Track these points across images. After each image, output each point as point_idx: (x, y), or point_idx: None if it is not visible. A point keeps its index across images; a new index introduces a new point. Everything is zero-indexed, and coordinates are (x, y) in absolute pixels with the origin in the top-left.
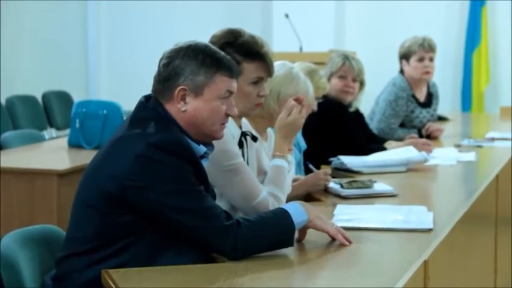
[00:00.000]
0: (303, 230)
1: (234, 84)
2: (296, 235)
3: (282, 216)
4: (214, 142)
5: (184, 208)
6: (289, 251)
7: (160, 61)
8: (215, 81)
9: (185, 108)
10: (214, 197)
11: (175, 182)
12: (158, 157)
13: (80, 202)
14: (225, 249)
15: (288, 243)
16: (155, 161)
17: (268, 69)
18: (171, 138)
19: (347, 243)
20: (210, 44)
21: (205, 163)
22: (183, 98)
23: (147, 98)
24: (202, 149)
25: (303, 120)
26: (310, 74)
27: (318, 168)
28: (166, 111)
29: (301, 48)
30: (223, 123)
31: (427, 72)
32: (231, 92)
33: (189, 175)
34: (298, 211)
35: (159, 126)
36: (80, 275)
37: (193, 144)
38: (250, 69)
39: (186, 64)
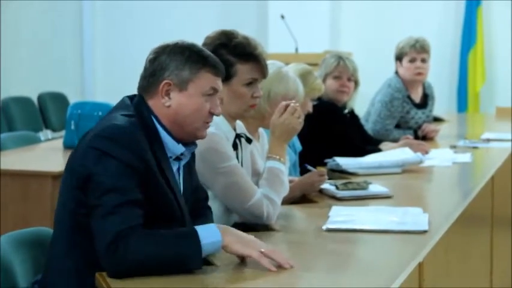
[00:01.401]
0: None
1: (218, 83)
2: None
3: (188, 235)
4: (209, 144)
5: (98, 198)
6: (282, 252)
7: (146, 58)
8: (200, 77)
9: (169, 103)
10: (193, 198)
11: (106, 172)
12: (102, 146)
13: (61, 205)
14: (102, 252)
15: (192, 264)
16: (99, 151)
17: (262, 71)
18: (119, 126)
19: (273, 268)
20: (197, 43)
21: (182, 163)
22: (168, 93)
23: (131, 97)
24: (179, 148)
25: (299, 122)
26: (305, 75)
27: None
28: (148, 108)
29: (296, 49)
30: (207, 122)
31: (419, 74)
32: (215, 90)
33: (123, 166)
34: (210, 231)
35: (130, 121)
36: (60, 279)
37: (171, 143)
38: (244, 70)
39: (172, 59)
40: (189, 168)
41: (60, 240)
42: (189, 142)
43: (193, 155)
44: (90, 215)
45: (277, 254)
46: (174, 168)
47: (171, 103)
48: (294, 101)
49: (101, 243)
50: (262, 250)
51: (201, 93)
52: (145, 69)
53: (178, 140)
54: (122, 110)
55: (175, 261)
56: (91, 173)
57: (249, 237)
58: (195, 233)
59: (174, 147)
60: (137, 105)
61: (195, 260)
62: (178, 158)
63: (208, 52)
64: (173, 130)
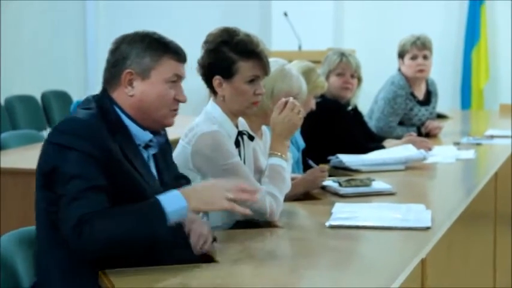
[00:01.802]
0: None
1: (181, 69)
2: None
3: (151, 205)
4: (211, 142)
5: (62, 187)
6: (285, 249)
7: (108, 50)
8: (162, 64)
9: (132, 92)
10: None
11: (67, 163)
12: (61, 141)
13: (36, 205)
14: (69, 236)
15: (159, 234)
16: (59, 145)
17: (264, 68)
18: (77, 119)
19: (248, 212)
20: (157, 31)
21: (153, 152)
22: (130, 83)
23: (95, 95)
24: (146, 135)
25: (299, 118)
26: (308, 72)
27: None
28: (111, 99)
29: (300, 47)
30: (174, 110)
31: (421, 71)
32: (178, 77)
33: (83, 156)
34: (174, 199)
35: (89, 113)
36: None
37: (137, 131)
38: (246, 67)
39: (133, 48)
40: (165, 157)
41: (41, 241)
42: (157, 131)
43: (169, 145)
44: (58, 206)
45: (243, 193)
46: (144, 157)
47: (134, 92)
48: (292, 98)
49: (66, 227)
50: (230, 196)
51: (164, 80)
52: (107, 61)
53: (145, 128)
54: (84, 106)
55: (141, 233)
56: (53, 167)
57: (212, 188)
58: (158, 202)
59: (141, 135)
60: (99, 98)
61: (161, 229)
62: (148, 146)
63: (169, 39)
64: (139, 118)
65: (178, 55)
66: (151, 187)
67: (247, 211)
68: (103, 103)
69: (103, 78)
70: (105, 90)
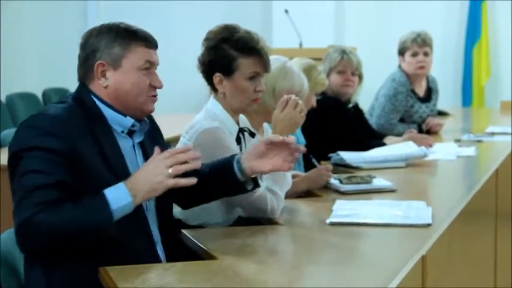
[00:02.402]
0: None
1: (153, 55)
2: None
3: (96, 204)
4: (212, 139)
5: (18, 182)
6: (286, 246)
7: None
8: (132, 52)
9: (107, 83)
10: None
11: (28, 159)
12: (22, 135)
13: None
14: (16, 231)
15: (101, 231)
16: (19, 141)
17: (265, 65)
18: (44, 114)
19: (193, 181)
20: (124, 22)
21: (138, 139)
22: (103, 74)
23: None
24: (128, 121)
25: (301, 116)
26: (309, 70)
27: (318, 163)
28: (86, 90)
29: (300, 44)
30: (152, 96)
31: (422, 67)
32: (151, 63)
33: (45, 153)
34: (119, 195)
35: (59, 107)
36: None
37: (118, 117)
38: (246, 64)
39: (101, 39)
40: (156, 144)
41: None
42: (140, 119)
43: (159, 131)
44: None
45: (179, 158)
46: (128, 145)
47: (109, 83)
48: (294, 95)
49: (15, 222)
50: (170, 171)
51: (136, 67)
52: (79, 56)
53: (125, 115)
54: (59, 100)
55: (85, 232)
56: (15, 163)
57: (152, 171)
58: (105, 201)
59: (122, 121)
60: (76, 92)
61: (105, 227)
62: (131, 132)
63: (136, 26)
64: (119, 107)
65: (148, 41)
66: (122, 178)
67: (193, 180)
68: (80, 94)
69: (78, 75)
70: (81, 84)
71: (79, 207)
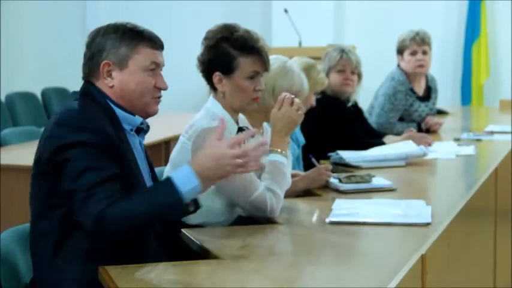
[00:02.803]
0: None
1: (159, 57)
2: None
3: (165, 191)
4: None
5: (74, 182)
6: (285, 246)
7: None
8: (138, 52)
9: (112, 83)
10: (155, 177)
11: (75, 157)
12: (59, 134)
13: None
14: (85, 223)
15: (175, 215)
16: (57, 138)
17: (264, 64)
18: (74, 111)
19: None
20: (130, 22)
21: (143, 137)
22: (109, 74)
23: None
24: (137, 119)
25: (298, 114)
26: (308, 69)
27: (317, 163)
28: (94, 87)
29: (300, 43)
30: (156, 97)
31: (421, 66)
32: (157, 64)
33: (90, 148)
34: (187, 178)
35: (82, 103)
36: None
37: (127, 115)
38: (246, 63)
39: (107, 39)
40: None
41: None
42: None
43: None
44: (70, 201)
45: (252, 151)
46: (136, 142)
47: (114, 82)
48: (289, 93)
49: (88, 224)
50: (238, 161)
51: (141, 68)
52: (84, 55)
53: (133, 114)
54: (74, 98)
55: (159, 218)
56: (59, 162)
57: (221, 160)
58: (173, 184)
59: (131, 119)
60: (85, 89)
61: (177, 212)
62: (139, 130)
63: (143, 27)
64: (124, 105)
65: (154, 42)
66: (140, 173)
67: (259, 165)
68: (88, 91)
69: (82, 73)
70: (87, 81)
71: (148, 196)
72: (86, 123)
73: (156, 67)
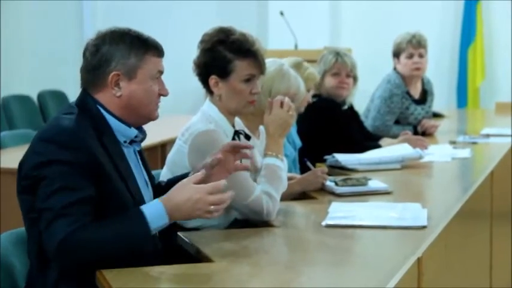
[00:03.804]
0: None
1: (162, 64)
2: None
3: (134, 223)
4: (208, 141)
5: (45, 200)
6: (282, 249)
7: (85, 51)
8: (146, 62)
9: (120, 93)
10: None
11: (51, 176)
12: (41, 150)
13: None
14: (49, 250)
15: (140, 248)
16: (39, 154)
17: (260, 67)
18: (60, 127)
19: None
20: (131, 28)
21: (138, 148)
22: (117, 84)
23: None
24: (132, 131)
25: (290, 115)
26: (297, 66)
27: (313, 166)
28: (91, 98)
29: (296, 46)
30: (158, 104)
31: (417, 69)
32: (161, 72)
33: (69, 167)
34: (157, 214)
35: (73, 118)
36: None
37: (122, 128)
38: (242, 66)
39: (115, 49)
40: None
41: (28, 240)
42: (139, 128)
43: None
44: (39, 219)
45: (224, 199)
46: (131, 152)
47: (122, 92)
48: (280, 96)
49: (51, 244)
50: (211, 208)
51: (149, 77)
52: (87, 62)
53: (129, 125)
54: (64, 111)
55: (125, 249)
56: (37, 178)
57: (195, 203)
58: (143, 218)
59: (127, 131)
60: (81, 101)
61: (144, 245)
62: (133, 142)
63: (146, 34)
64: (125, 116)
65: (159, 51)
66: (130, 190)
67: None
68: (86, 104)
69: (82, 79)
70: (85, 91)
71: (117, 225)
72: (70, 140)
73: (160, 75)
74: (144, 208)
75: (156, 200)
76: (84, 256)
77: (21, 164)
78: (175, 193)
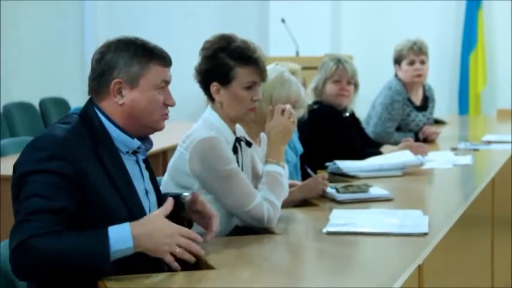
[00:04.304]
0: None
1: (168, 74)
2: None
3: (97, 242)
4: (209, 148)
5: (20, 204)
6: (282, 256)
7: (92, 59)
8: (149, 71)
9: (122, 101)
10: (160, 197)
11: (32, 183)
12: (29, 158)
13: None
14: (10, 245)
15: (94, 266)
16: (28, 163)
17: (261, 74)
18: (51, 136)
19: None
20: (139, 37)
21: (142, 157)
22: (119, 91)
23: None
24: (135, 143)
25: (291, 122)
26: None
27: (314, 173)
28: (96, 110)
29: (297, 53)
30: (164, 114)
31: (419, 75)
32: (166, 82)
33: (53, 176)
34: (122, 237)
35: (72, 127)
36: None
37: (124, 138)
38: (243, 74)
39: (119, 57)
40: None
41: None
42: (145, 137)
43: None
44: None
45: (192, 246)
46: (132, 162)
47: (124, 100)
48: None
49: (12, 244)
50: (177, 250)
51: (153, 86)
52: (93, 70)
53: (133, 136)
54: (62, 120)
55: (80, 265)
56: (20, 185)
57: (161, 236)
58: (105, 239)
59: (129, 142)
60: (84, 109)
61: (99, 264)
62: (135, 152)
63: (153, 44)
64: (129, 126)
65: (165, 60)
66: (129, 198)
67: (178, 267)
68: (87, 113)
69: (89, 87)
70: (90, 100)
71: (78, 239)
72: (59, 150)
73: (165, 84)
74: (110, 228)
75: (127, 223)
76: (37, 264)
77: (13, 169)
78: (149, 221)
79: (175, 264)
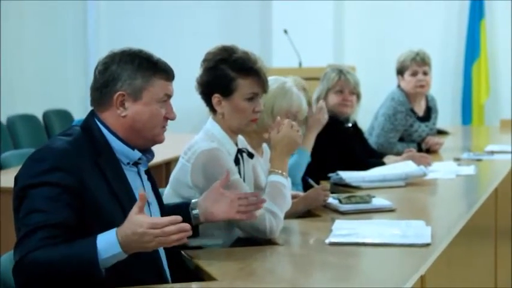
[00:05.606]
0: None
1: (170, 88)
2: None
3: (83, 248)
4: (211, 159)
5: (22, 220)
6: (285, 267)
7: (95, 69)
8: (153, 85)
9: (125, 113)
10: (163, 209)
11: (33, 196)
12: (30, 171)
13: None
14: (14, 259)
15: (87, 273)
16: (28, 176)
17: (263, 85)
18: (51, 149)
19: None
20: (143, 49)
21: (143, 168)
22: (122, 104)
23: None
24: (136, 154)
25: (298, 135)
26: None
27: (317, 183)
28: (98, 121)
29: (300, 64)
30: (164, 127)
31: (421, 86)
32: (169, 96)
33: (54, 188)
34: (110, 245)
35: (72, 139)
36: None
37: (126, 150)
38: (244, 85)
39: (123, 69)
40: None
41: None
42: (146, 149)
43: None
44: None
45: (166, 232)
46: (133, 173)
47: (127, 113)
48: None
49: (15, 257)
50: (160, 239)
51: (155, 100)
52: (96, 80)
53: (133, 147)
54: (63, 132)
55: (73, 276)
56: (21, 197)
57: (139, 238)
58: (93, 247)
59: (130, 154)
60: (85, 121)
61: (90, 270)
62: (136, 163)
63: (156, 57)
64: (130, 138)
65: (168, 74)
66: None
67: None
68: (89, 124)
69: (91, 97)
70: (92, 112)
71: (69, 250)
72: (60, 162)
73: (167, 98)
74: (99, 236)
75: (115, 228)
76: (35, 277)
77: (14, 182)
78: (126, 225)
79: (172, 243)
